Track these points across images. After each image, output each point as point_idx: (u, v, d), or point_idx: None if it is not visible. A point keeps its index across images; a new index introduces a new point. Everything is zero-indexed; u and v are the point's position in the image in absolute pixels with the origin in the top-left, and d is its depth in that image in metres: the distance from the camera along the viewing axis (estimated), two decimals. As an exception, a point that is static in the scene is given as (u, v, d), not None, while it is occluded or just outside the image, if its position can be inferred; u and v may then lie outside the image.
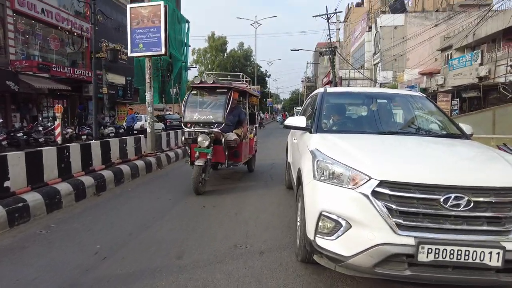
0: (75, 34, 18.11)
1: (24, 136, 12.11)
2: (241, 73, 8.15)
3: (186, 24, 51.65)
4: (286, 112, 33.65)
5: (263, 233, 3.95)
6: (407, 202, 2.17)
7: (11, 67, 15.49)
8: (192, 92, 6.22)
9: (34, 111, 18.43)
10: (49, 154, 5.24)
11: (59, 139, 11.41)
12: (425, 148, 2.96)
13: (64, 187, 5.07)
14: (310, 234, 2.54)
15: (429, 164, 2.47)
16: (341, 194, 2.37)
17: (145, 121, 20.69)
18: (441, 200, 2.13)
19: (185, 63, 49.65)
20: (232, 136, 6.04)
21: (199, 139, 5.59)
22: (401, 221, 2.13)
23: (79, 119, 17.22)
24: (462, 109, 21.90)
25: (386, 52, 34.58)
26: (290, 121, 3.87)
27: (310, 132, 3.53)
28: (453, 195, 2.12)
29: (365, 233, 2.19)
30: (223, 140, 5.79)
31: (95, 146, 6.48)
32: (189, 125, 6.01)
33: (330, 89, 4.18)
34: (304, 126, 3.69)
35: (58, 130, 11.40)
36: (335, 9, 23.66)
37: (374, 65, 36.67)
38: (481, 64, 19.46)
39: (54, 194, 4.81)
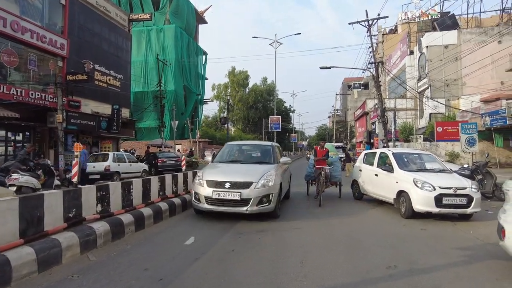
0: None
1: None
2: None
3: (204, 56, 48.29)
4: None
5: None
6: None
7: None
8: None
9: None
10: None
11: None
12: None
13: None
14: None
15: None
16: None
17: (113, 161, 15.31)
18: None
19: (201, 96, 45.54)
20: None
21: None
22: None
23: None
24: None
25: (435, 77, 28.55)
26: None
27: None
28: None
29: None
30: None
31: None
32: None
33: None
34: None
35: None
36: (378, 14, 18.40)
37: (419, 92, 30.53)
38: None
39: None
